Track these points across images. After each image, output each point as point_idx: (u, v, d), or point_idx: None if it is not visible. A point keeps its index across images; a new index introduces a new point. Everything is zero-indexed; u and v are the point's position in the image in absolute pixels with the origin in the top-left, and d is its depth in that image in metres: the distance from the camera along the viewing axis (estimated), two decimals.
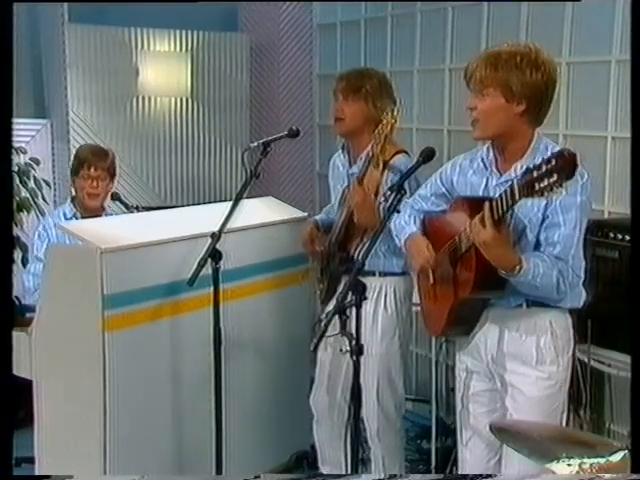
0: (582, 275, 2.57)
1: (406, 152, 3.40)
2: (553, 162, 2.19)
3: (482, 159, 2.72)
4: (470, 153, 2.82)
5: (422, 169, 2.90)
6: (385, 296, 3.45)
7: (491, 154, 2.69)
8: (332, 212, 3.72)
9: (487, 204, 2.43)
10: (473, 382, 2.80)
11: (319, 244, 3.59)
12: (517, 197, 2.32)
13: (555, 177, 2.18)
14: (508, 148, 2.62)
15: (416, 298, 3.65)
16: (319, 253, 3.60)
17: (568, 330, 2.69)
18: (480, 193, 2.68)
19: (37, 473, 3.30)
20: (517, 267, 2.46)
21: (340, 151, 3.65)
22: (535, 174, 2.23)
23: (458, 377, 2.86)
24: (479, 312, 2.71)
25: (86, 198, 3.97)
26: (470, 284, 2.58)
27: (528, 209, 2.57)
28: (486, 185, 2.67)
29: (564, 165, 2.18)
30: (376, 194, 3.20)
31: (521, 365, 2.65)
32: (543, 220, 2.56)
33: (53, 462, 3.28)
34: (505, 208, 2.38)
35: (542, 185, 2.21)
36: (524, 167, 2.57)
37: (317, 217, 3.79)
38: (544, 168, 2.21)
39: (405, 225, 2.92)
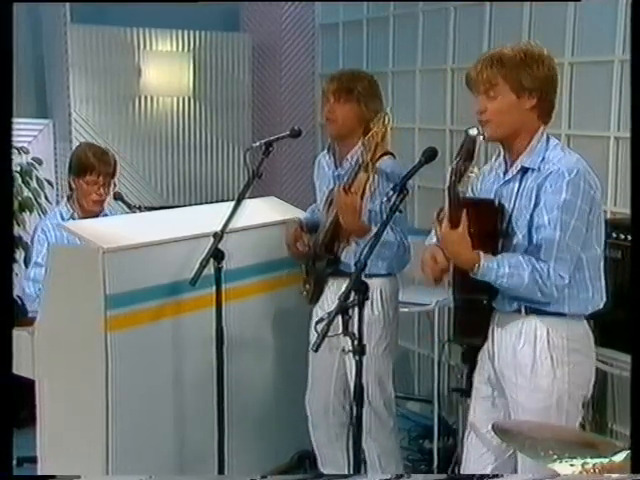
0: (566, 277, 2.50)
1: (392, 154, 3.40)
2: (463, 145, 2.42)
3: (497, 161, 2.72)
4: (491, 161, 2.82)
5: (424, 169, 2.90)
6: (371, 297, 3.43)
7: (501, 157, 2.70)
8: (316, 211, 3.73)
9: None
10: (481, 385, 2.77)
11: (303, 245, 3.58)
12: (448, 184, 2.48)
13: (463, 159, 2.40)
14: (515, 147, 2.61)
15: (418, 298, 3.67)
16: (303, 254, 3.59)
17: (573, 341, 2.61)
18: (491, 196, 2.68)
19: (39, 473, 3.30)
20: (476, 265, 2.49)
21: (325, 151, 3.65)
22: (456, 159, 2.42)
23: (474, 379, 2.82)
24: (485, 317, 2.68)
25: (90, 204, 3.87)
26: (454, 284, 2.62)
27: (518, 211, 2.58)
28: (496, 188, 2.67)
29: (465, 147, 2.42)
30: (362, 196, 3.20)
31: (517, 375, 2.62)
32: (531, 222, 2.55)
33: (55, 462, 3.28)
34: (448, 199, 2.50)
35: (457, 168, 2.42)
36: (519, 166, 2.59)
37: (301, 216, 3.78)
38: (460, 152, 2.42)
39: (431, 238, 2.90)
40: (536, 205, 2.53)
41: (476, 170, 2.52)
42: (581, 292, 2.60)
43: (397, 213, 3.23)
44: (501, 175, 2.66)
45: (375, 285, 3.40)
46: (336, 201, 3.29)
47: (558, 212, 2.49)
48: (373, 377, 3.43)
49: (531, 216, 2.54)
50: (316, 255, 3.51)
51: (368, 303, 3.39)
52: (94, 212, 3.91)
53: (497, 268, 2.49)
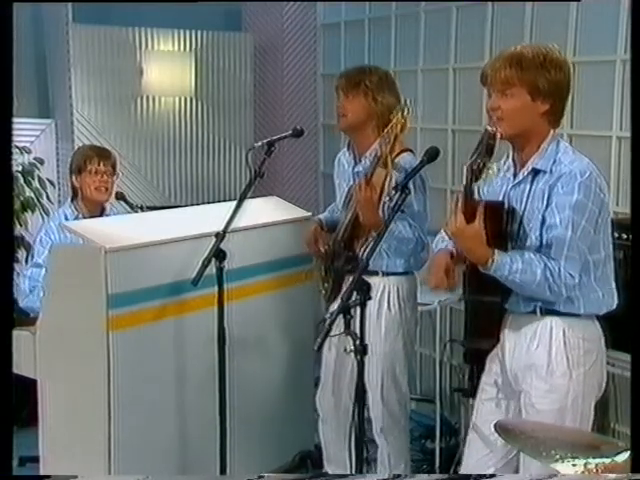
0: (576, 276, 2.51)
1: (411, 151, 3.40)
2: (482, 142, 2.44)
3: (505, 164, 2.72)
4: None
5: (426, 168, 2.90)
6: (389, 295, 3.45)
7: (510, 159, 2.70)
8: (336, 211, 3.72)
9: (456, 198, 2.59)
10: (487, 386, 2.76)
11: (322, 243, 3.59)
12: (465, 182, 2.48)
13: (482, 155, 2.43)
14: (525, 149, 2.61)
15: (420, 297, 3.68)
16: (322, 252, 3.59)
17: (588, 341, 2.61)
18: (500, 199, 2.68)
19: (41, 473, 3.30)
20: (489, 260, 2.49)
21: (345, 149, 3.65)
22: (474, 156, 2.44)
23: (481, 380, 2.81)
24: (496, 320, 2.67)
25: (95, 193, 3.90)
26: (468, 286, 2.62)
27: (530, 213, 2.58)
28: (505, 190, 2.67)
29: (484, 143, 2.44)
30: (381, 192, 3.20)
31: (532, 376, 2.61)
32: (543, 222, 2.55)
33: (57, 461, 3.28)
34: (464, 197, 2.51)
35: (475, 166, 2.44)
36: (530, 168, 2.59)
37: (321, 216, 3.78)
38: (478, 149, 2.43)
39: (441, 241, 2.90)
40: (547, 206, 2.54)
41: (494, 167, 2.52)
42: (591, 292, 2.60)
43: (416, 211, 3.25)
44: (510, 178, 2.67)
45: (392, 283, 3.41)
46: (355, 195, 3.28)
47: (570, 212, 2.49)
48: (388, 375, 3.44)
49: (542, 217, 2.55)
50: (335, 253, 3.50)
51: (385, 301, 3.42)
52: (100, 201, 3.93)
53: (510, 263, 2.50)
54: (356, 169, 3.52)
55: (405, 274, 3.48)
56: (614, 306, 2.66)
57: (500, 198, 2.66)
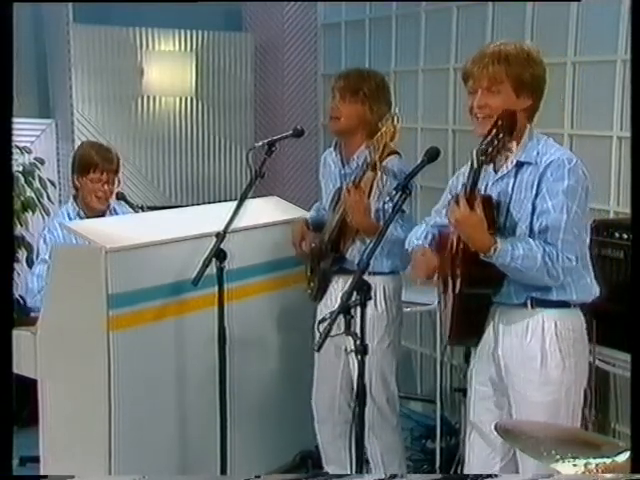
0: (573, 258, 2.54)
1: (399, 153, 3.41)
2: (498, 123, 2.45)
3: None
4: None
5: (426, 168, 2.90)
6: (375, 294, 3.45)
7: None
8: (321, 210, 3.74)
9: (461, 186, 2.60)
10: (480, 386, 2.77)
11: (308, 243, 3.60)
12: (475, 166, 2.49)
13: (500, 136, 2.44)
14: (506, 145, 2.62)
15: (421, 297, 3.68)
16: (307, 252, 3.60)
17: (576, 331, 2.65)
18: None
19: (42, 473, 3.31)
20: (492, 248, 2.50)
21: (332, 149, 3.66)
22: (487, 139, 2.45)
23: (468, 379, 2.83)
24: (483, 315, 2.69)
25: (95, 201, 3.90)
26: (461, 278, 2.61)
27: (518, 202, 2.60)
28: (486, 185, 2.68)
29: (504, 121, 2.45)
30: (368, 195, 3.22)
31: (525, 368, 2.62)
32: (534, 210, 2.58)
33: (57, 462, 3.28)
34: (471, 183, 2.51)
35: (492, 148, 2.45)
36: (514, 161, 2.62)
37: (307, 215, 3.79)
38: (492, 132, 2.44)
39: (415, 240, 2.94)
40: (537, 194, 2.57)
41: (514, 146, 2.56)
42: (581, 279, 2.64)
43: (404, 213, 3.25)
44: (492, 172, 2.68)
45: (378, 283, 3.41)
46: (344, 200, 3.29)
47: (563, 197, 2.53)
48: (376, 374, 3.44)
49: (533, 205, 2.57)
50: (321, 253, 3.52)
51: (371, 300, 3.42)
52: (100, 209, 3.94)
53: (512, 250, 2.51)
54: (343, 171, 3.54)
55: (391, 273, 3.49)
56: (598, 294, 2.69)
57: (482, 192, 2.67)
